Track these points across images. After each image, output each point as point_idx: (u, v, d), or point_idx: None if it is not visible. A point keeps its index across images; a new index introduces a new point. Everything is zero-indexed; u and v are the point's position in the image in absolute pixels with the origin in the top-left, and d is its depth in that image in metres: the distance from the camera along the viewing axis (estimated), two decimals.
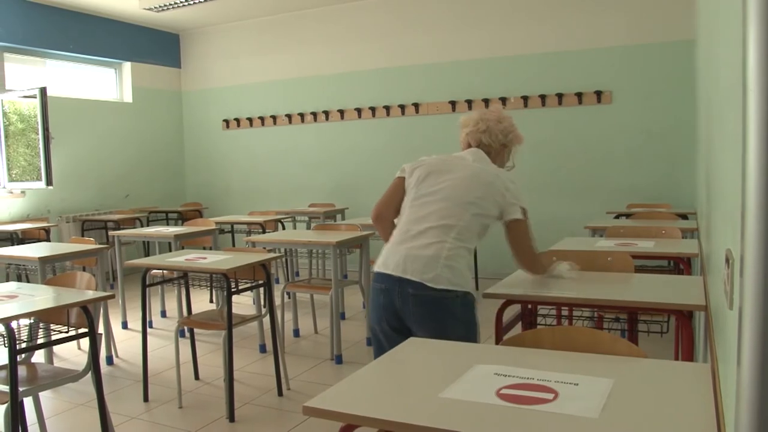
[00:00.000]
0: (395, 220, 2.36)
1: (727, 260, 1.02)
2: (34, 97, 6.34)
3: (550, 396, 1.28)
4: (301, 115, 7.59)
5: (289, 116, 7.67)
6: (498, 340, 2.22)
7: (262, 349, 4.28)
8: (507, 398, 1.28)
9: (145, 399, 3.47)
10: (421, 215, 2.22)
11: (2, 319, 2.23)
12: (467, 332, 2.13)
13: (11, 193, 6.56)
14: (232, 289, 3.23)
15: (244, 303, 5.50)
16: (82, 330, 2.59)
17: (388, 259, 2.21)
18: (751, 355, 0.71)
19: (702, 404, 1.22)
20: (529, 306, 2.53)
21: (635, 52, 5.86)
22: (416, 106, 6.88)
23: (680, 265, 3.21)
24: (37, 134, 6.36)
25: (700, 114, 4.13)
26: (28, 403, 2.85)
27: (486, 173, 2.26)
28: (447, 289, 2.10)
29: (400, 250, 2.18)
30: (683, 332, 2.04)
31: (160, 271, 4.33)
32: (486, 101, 6.49)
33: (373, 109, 7.12)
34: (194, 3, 6.81)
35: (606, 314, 2.95)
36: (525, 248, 2.30)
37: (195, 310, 4.16)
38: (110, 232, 5.72)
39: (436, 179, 2.27)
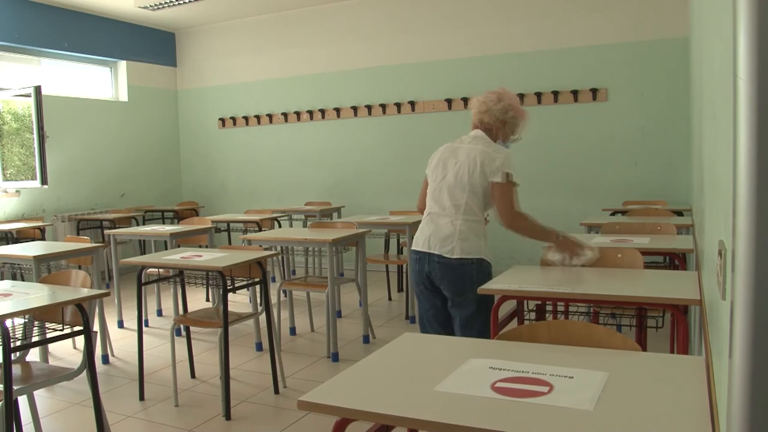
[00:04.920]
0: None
1: (720, 252, 1.02)
2: (28, 96, 6.31)
3: (545, 389, 1.28)
4: (297, 113, 7.58)
5: (285, 114, 7.66)
6: (493, 336, 2.22)
7: (259, 347, 4.28)
8: (502, 391, 1.28)
9: (141, 398, 3.46)
10: (437, 200, 2.68)
11: None
12: (482, 294, 2.37)
13: (6, 192, 6.54)
14: (228, 287, 3.22)
15: (240, 301, 5.50)
16: (77, 328, 2.58)
17: (418, 239, 2.73)
18: (743, 345, 0.71)
19: (696, 396, 1.23)
20: (525, 302, 2.54)
21: (631, 49, 5.87)
22: (412, 104, 6.88)
23: (675, 260, 3.22)
24: (32, 133, 6.33)
25: (694, 111, 4.14)
26: (22, 401, 2.84)
27: (478, 152, 2.61)
28: (462, 257, 2.56)
29: (426, 231, 2.69)
30: (679, 327, 2.04)
31: (156, 269, 4.33)
32: None
33: (369, 108, 7.12)
34: (190, 1, 6.80)
35: (601, 309, 2.95)
36: (504, 207, 2.57)
37: (191, 308, 4.16)
38: (106, 231, 5.70)
39: (444, 168, 2.68)
